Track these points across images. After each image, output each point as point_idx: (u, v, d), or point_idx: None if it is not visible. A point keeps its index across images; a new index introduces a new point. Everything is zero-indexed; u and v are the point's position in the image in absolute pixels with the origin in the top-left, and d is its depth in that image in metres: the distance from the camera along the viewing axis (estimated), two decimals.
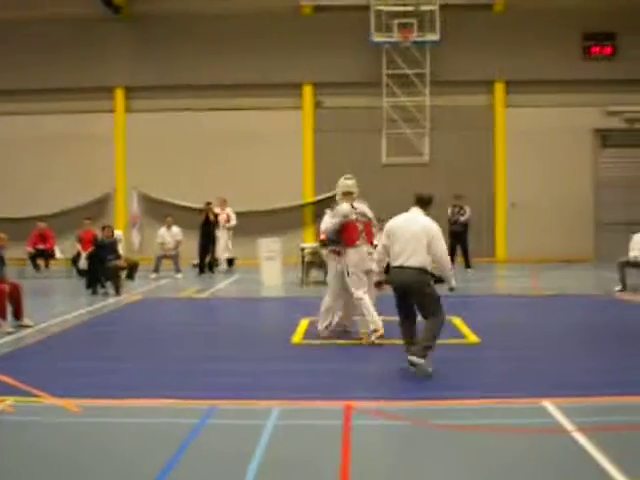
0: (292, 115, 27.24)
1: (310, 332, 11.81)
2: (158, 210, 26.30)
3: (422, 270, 8.92)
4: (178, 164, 27.13)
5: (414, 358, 8.88)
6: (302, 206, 26.85)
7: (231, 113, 27.09)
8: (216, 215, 23.20)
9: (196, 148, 27.28)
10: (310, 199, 26.91)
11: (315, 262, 18.61)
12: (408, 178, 25.57)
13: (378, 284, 9.57)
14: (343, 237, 11.06)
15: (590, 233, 27.13)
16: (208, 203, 23.24)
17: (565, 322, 13.34)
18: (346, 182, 11.21)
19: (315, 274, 19.33)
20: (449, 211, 23.23)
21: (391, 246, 9.07)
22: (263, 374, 9.22)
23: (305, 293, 17.53)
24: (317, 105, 27.22)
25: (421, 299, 8.97)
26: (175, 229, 22.90)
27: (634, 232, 18.22)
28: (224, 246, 23.21)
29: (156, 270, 21.69)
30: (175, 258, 22.38)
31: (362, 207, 11.14)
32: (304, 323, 12.61)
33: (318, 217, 24.35)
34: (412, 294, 8.99)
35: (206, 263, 23.08)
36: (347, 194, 11.05)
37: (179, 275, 21.87)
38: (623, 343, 11.24)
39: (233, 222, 23.30)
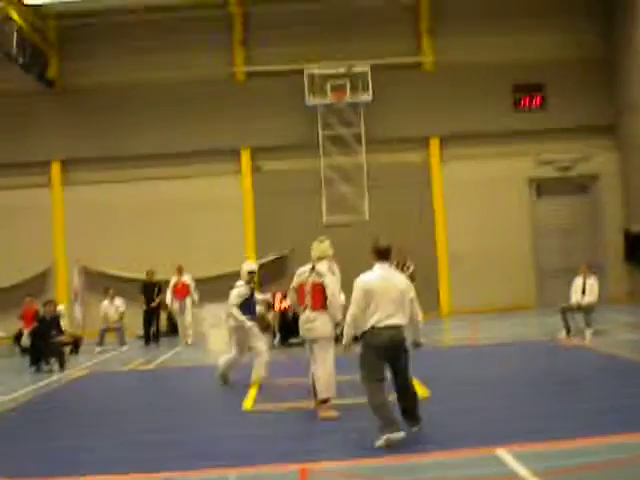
0: (232, 180, 27.35)
1: (261, 397, 11.71)
2: (100, 282, 25.98)
3: (403, 328, 8.76)
4: (119, 235, 26.97)
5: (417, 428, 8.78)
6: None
7: (171, 181, 27.02)
8: (157, 286, 22.67)
9: (136, 218, 27.14)
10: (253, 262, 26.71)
11: (261, 327, 18.55)
12: (350, 236, 25.58)
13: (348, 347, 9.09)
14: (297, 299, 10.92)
15: (532, 280, 27.49)
16: (149, 271, 23.03)
17: (510, 370, 13.42)
18: (319, 246, 10.76)
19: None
20: (393, 266, 23.29)
21: (370, 306, 8.61)
22: (216, 442, 9.10)
23: (252, 356, 17.36)
24: (256, 169, 27.43)
25: (406, 360, 8.82)
26: (118, 301, 22.63)
27: (576, 276, 18.52)
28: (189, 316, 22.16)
29: (100, 343, 21.43)
30: (119, 330, 22.13)
31: (320, 267, 10.56)
32: (254, 388, 12.55)
33: (261, 280, 24.67)
34: (400, 355, 8.74)
35: (151, 333, 22.77)
36: (322, 258, 10.59)
37: (124, 347, 21.64)
38: (569, 388, 11.35)
39: (195, 295, 22.26)
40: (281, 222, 26.21)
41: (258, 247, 26.96)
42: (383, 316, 8.57)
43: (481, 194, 27.20)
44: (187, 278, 22.31)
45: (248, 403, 11.49)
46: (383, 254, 8.89)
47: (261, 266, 25.46)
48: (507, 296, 26.66)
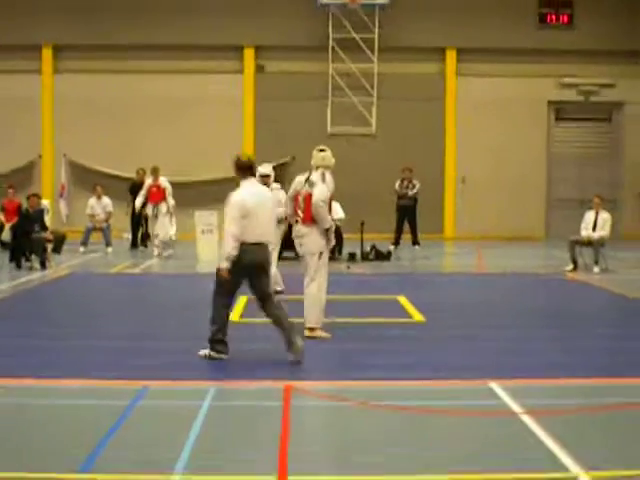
0: (232, 80, 26.89)
1: (248, 310, 11.60)
2: (88, 179, 25.79)
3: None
4: (110, 130, 26.69)
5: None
6: None
7: (167, 76, 26.66)
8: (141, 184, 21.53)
9: (130, 113, 26.83)
10: None
11: None
12: (355, 149, 25.60)
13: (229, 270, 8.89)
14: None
15: (542, 210, 27.54)
16: (140, 170, 22.64)
17: (512, 302, 13.51)
18: (318, 154, 10.39)
19: None
20: (397, 184, 23.36)
21: (247, 222, 8.75)
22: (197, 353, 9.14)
23: None
24: (259, 70, 27.06)
25: (267, 277, 9.07)
26: (106, 200, 22.52)
27: (588, 209, 18.51)
28: (161, 224, 20.69)
29: (85, 243, 21.35)
30: (106, 231, 21.89)
31: (314, 176, 10.32)
32: (242, 300, 12.52)
33: None
34: (263, 272, 8.95)
35: (139, 236, 22.73)
36: (319, 167, 10.31)
37: (109, 249, 21.52)
38: (570, 325, 11.43)
39: (171, 200, 20.57)
40: (283, 128, 25.93)
41: (257, 153, 26.08)
42: (257, 232, 8.77)
43: (496, 114, 26.98)
44: (163, 181, 20.76)
45: (235, 315, 11.54)
46: (249, 170, 9.06)
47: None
48: (515, 225, 26.71)
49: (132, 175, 23.50)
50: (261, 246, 8.84)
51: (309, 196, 10.15)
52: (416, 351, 9.44)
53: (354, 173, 24.80)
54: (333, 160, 10.41)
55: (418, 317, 11.58)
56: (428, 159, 26.75)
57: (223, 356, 8.91)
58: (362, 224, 19.85)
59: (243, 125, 27.21)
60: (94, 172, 26.38)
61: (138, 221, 22.58)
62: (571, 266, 17.68)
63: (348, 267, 18.06)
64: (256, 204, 8.82)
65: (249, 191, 8.89)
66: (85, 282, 15.94)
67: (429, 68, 27.16)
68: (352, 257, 19.41)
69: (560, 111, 27.78)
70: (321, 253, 10.13)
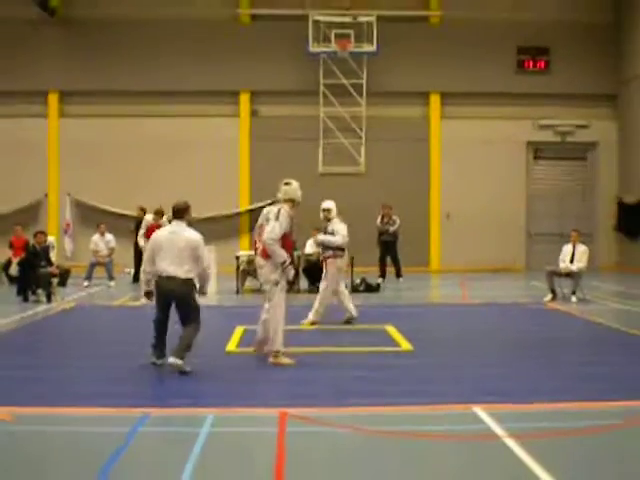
0: (229, 123, 27.06)
1: (245, 340, 11.64)
2: (91, 217, 25.83)
3: (187, 280, 9.62)
4: (112, 170, 26.72)
5: (175, 360, 9.40)
6: (238, 214, 26.76)
7: (168, 120, 26.82)
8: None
9: (131, 154, 26.86)
10: (247, 206, 26.70)
11: (250, 270, 18.34)
12: (344, 187, 25.64)
13: (147, 294, 9.93)
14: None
15: (522, 243, 27.60)
16: (141, 208, 22.46)
17: (495, 330, 13.47)
18: (282, 187, 10.51)
19: (250, 282, 19.21)
20: (378, 221, 23.21)
21: (157, 257, 9.61)
22: (196, 381, 9.10)
23: (240, 302, 17.35)
24: (254, 113, 27.13)
25: (186, 307, 9.66)
26: (108, 236, 22.41)
27: (565, 243, 18.53)
28: None
29: (89, 278, 21.27)
30: (108, 266, 21.79)
31: (270, 210, 10.43)
32: (239, 331, 12.43)
33: (255, 225, 24.46)
34: (179, 302, 9.64)
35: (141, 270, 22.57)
36: (286, 200, 10.32)
37: (112, 283, 21.46)
38: (552, 351, 11.38)
39: None
40: (277, 167, 25.51)
41: (252, 189, 26.73)
42: (165, 267, 9.52)
43: (478, 154, 27.12)
44: (164, 221, 20.27)
45: (232, 345, 11.51)
46: (177, 212, 9.92)
47: (252, 211, 25.48)
48: (497, 257, 26.76)
49: (133, 212, 23.34)
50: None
51: (261, 227, 10.29)
52: (404, 378, 9.38)
53: (344, 210, 24.15)
54: (299, 193, 10.35)
55: (406, 346, 11.54)
56: (414, 196, 26.85)
57: (153, 359, 9.91)
58: (352, 259, 19.61)
59: (239, 164, 27.27)
60: (98, 210, 26.31)
61: (140, 256, 22.41)
62: (550, 296, 17.66)
63: None
64: (168, 240, 9.64)
65: (169, 229, 9.87)
66: (89, 314, 15.84)
67: (414, 111, 27.28)
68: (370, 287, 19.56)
69: (538, 151, 27.97)
70: (277, 282, 10.07)
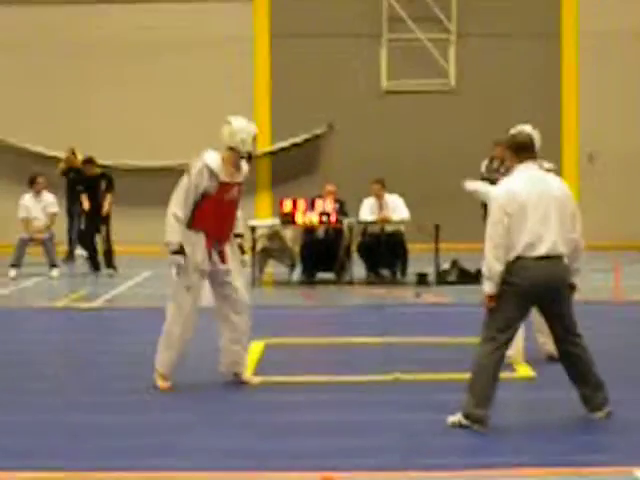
0: (237, 10, 21.76)
1: (266, 363, 9.76)
2: (20, 166, 21.09)
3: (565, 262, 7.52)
4: (46, 88, 21.59)
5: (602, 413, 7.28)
6: (251, 159, 21.24)
7: (138, 6, 21.63)
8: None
9: (79, 60, 21.63)
10: (266, 147, 21.63)
11: (274, 249, 16.56)
12: (424, 113, 21.10)
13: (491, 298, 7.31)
14: None
15: None
16: (72, 151, 19.39)
17: None
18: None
19: (273, 269, 17.14)
20: (483, 166, 18.32)
21: (515, 227, 7.26)
22: (189, 429, 7.47)
23: (257, 300, 13.26)
24: None
25: (567, 307, 7.49)
26: (47, 196, 18.59)
27: None
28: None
29: (17, 264, 17.74)
30: (47, 244, 17.99)
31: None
32: (256, 348, 10.30)
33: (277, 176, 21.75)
34: (558, 299, 7.50)
35: (99, 251, 18.22)
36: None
37: (54, 272, 17.83)
38: None
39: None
40: (313, 82, 21.36)
41: (274, 119, 21.93)
42: (532, 242, 7.38)
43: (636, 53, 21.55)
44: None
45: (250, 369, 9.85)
46: (528, 149, 7.40)
47: (273, 153, 21.88)
48: None
49: (59, 153, 20.22)
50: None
51: None
52: (522, 422, 7.58)
53: (425, 150, 21.49)
54: (240, 137, 8.28)
55: (525, 371, 9.20)
56: (537, 127, 20.32)
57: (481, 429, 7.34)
58: (437, 229, 16.49)
59: (253, 78, 22.02)
60: (26, 153, 21.72)
61: (94, 231, 18.50)
62: None
63: (417, 295, 15.64)
64: (530, 198, 7.41)
65: (524, 178, 7.40)
66: (18, 322, 13.66)
67: None
68: (422, 279, 16.89)
69: None
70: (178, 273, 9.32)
